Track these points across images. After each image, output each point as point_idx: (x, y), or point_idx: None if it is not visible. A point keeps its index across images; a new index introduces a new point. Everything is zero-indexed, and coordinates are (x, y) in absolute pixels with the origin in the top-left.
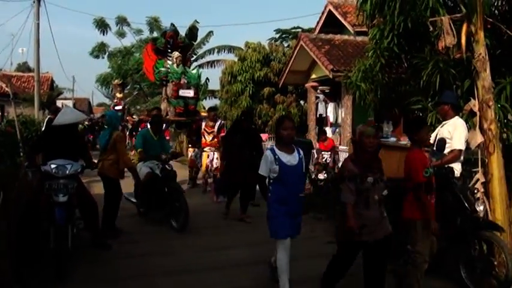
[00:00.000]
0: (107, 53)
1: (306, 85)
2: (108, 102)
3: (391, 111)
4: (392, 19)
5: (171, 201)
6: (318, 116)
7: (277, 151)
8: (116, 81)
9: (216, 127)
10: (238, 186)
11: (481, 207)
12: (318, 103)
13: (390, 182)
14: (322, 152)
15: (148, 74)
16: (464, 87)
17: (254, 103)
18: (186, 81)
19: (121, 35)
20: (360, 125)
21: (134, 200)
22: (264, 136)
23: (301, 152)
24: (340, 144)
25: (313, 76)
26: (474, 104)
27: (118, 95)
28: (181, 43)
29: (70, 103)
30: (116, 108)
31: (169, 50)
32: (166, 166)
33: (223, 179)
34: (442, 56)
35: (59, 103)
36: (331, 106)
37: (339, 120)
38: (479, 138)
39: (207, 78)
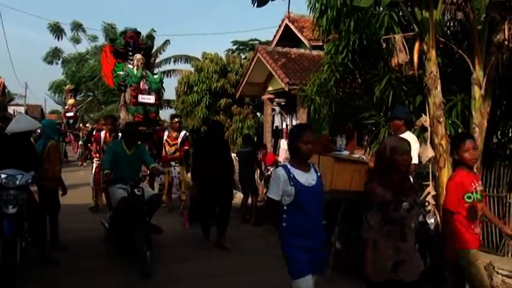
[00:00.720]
0: (61, 59)
1: (263, 97)
2: (60, 109)
3: (344, 125)
4: (347, 35)
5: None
6: (274, 128)
7: (292, 169)
8: (68, 86)
9: (179, 139)
10: (213, 208)
11: (432, 220)
12: (274, 115)
13: (346, 195)
14: (268, 166)
15: (107, 80)
16: (416, 103)
17: (210, 114)
18: (146, 87)
19: (76, 41)
20: (390, 138)
21: (107, 226)
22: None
23: (318, 168)
24: None
25: (270, 88)
26: (425, 120)
27: (69, 101)
28: (143, 45)
29: (22, 110)
30: (67, 115)
31: (130, 53)
32: (136, 191)
33: (196, 203)
34: (395, 72)
35: (10, 110)
36: (288, 119)
37: None
38: (430, 153)
39: (163, 88)
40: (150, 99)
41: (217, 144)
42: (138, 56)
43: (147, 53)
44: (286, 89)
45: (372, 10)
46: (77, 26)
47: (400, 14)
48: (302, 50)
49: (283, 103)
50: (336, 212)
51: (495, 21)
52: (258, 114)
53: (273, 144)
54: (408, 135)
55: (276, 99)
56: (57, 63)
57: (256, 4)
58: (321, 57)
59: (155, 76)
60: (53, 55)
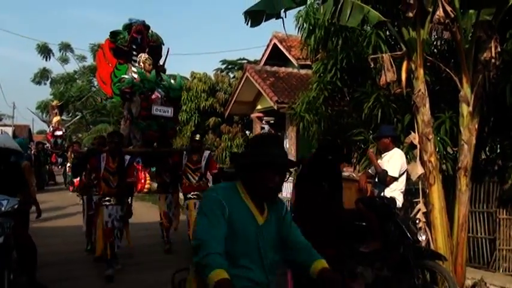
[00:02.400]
0: (50, 79)
1: (252, 116)
2: (49, 129)
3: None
4: (335, 54)
5: None
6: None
7: None
8: (55, 102)
9: (203, 161)
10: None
11: (423, 237)
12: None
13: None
14: None
15: (104, 86)
16: (405, 121)
17: (199, 133)
18: (159, 95)
19: (64, 61)
20: None
21: None
22: None
23: None
24: None
25: (259, 107)
26: (414, 137)
27: (55, 118)
28: (153, 42)
29: (10, 130)
30: (56, 133)
31: (134, 52)
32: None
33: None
34: (383, 90)
35: None
36: None
37: None
38: (419, 170)
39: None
40: (168, 111)
41: (334, 173)
42: (144, 55)
43: (156, 52)
44: (275, 107)
45: (360, 29)
46: (65, 47)
47: (387, 33)
48: (290, 69)
49: (272, 121)
50: None
51: (481, 40)
52: (247, 132)
53: None
54: (395, 151)
55: (264, 118)
56: (45, 84)
57: (249, 24)
58: (309, 76)
59: (172, 81)
60: (41, 75)
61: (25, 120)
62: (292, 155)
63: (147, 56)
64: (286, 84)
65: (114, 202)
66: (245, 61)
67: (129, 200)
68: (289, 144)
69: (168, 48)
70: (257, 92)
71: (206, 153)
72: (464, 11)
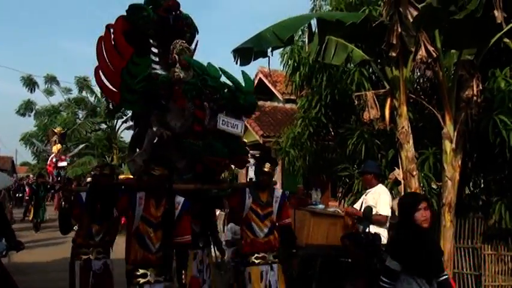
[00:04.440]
0: (34, 111)
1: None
2: (32, 161)
3: (318, 177)
4: (320, 91)
5: None
6: (248, 179)
7: None
8: (58, 129)
9: (275, 203)
10: None
11: None
12: (249, 167)
13: (323, 250)
14: None
15: (107, 89)
16: (389, 157)
17: None
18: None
19: (49, 93)
20: None
21: None
22: None
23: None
24: None
25: (245, 140)
26: (398, 173)
27: (55, 147)
28: (186, 27)
29: None
30: (60, 165)
31: (151, 40)
32: None
33: None
34: (367, 126)
35: None
36: None
37: None
38: None
39: None
40: (237, 126)
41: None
42: (181, 43)
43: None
44: (261, 141)
45: (343, 67)
46: (51, 79)
47: (370, 70)
48: (276, 103)
49: (257, 155)
50: (313, 267)
51: (463, 78)
52: (232, 166)
53: None
54: (380, 188)
55: (250, 151)
56: (29, 116)
57: (239, 62)
58: (294, 111)
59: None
60: (26, 107)
61: (8, 151)
62: (277, 189)
63: (184, 43)
64: (271, 118)
65: (154, 278)
66: None
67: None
68: (275, 179)
69: (197, 41)
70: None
71: (278, 192)
72: (446, 50)
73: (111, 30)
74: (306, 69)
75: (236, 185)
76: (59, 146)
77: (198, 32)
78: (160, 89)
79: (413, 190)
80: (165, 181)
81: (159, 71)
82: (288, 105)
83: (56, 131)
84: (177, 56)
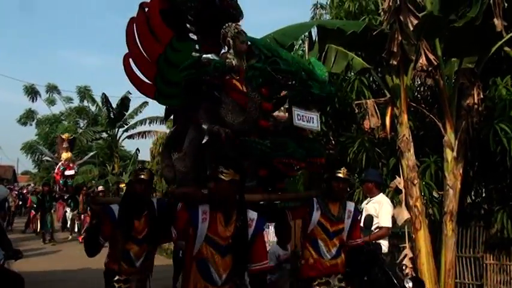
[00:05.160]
0: (35, 120)
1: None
2: (33, 170)
3: (319, 186)
4: None
5: None
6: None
7: None
8: (66, 135)
9: (347, 218)
10: None
11: (410, 284)
12: None
13: None
14: None
15: (138, 81)
16: (390, 165)
17: None
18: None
19: (51, 102)
20: None
21: None
22: None
23: None
24: None
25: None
26: (399, 182)
27: (64, 154)
28: (232, 9)
29: None
30: (67, 173)
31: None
32: None
33: None
34: (368, 135)
35: None
36: None
37: None
38: (405, 215)
39: (137, 149)
40: (312, 120)
41: None
42: (236, 26)
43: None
44: None
45: (343, 75)
46: (52, 88)
47: (371, 79)
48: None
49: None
50: None
51: (464, 86)
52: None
53: None
54: (381, 198)
55: None
56: (31, 125)
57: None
58: None
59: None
60: (27, 116)
61: (9, 160)
62: (349, 202)
63: (241, 27)
64: None
65: None
66: None
67: None
68: None
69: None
70: None
71: (350, 205)
72: (447, 58)
73: (146, 10)
74: None
75: (303, 195)
76: (69, 154)
77: (242, 16)
78: (214, 77)
79: (414, 199)
80: (237, 190)
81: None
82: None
83: (64, 137)
84: (231, 40)
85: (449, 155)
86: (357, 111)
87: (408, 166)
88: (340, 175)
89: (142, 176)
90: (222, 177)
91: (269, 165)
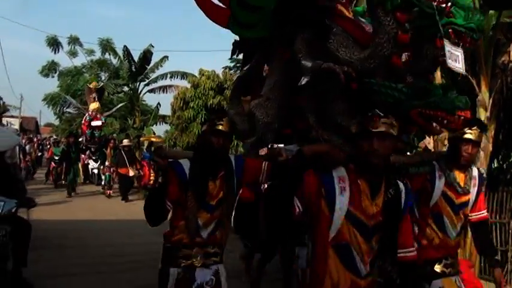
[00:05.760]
0: (57, 72)
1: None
2: (56, 122)
3: None
4: None
5: None
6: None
7: None
8: (94, 83)
9: (473, 187)
10: None
11: None
12: None
13: None
14: None
15: (207, 7)
16: None
17: None
18: None
19: (73, 54)
20: None
21: None
22: None
23: None
24: None
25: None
26: (429, 142)
27: (92, 105)
28: None
29: (17, 121)
30: (93, 124)
31: None
32: None
33: None
34: None
35: (4, 121)
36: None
37: None
38: None
39: (159, 103)
40: (458, 58)
41: None
42: None
43: None
44: None
45: None
46: (74, 40)
47: None
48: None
49: None
50: None
51: (500, 43)
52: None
53: None
54: None
55: None
56: (53, 77)
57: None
58: None
59: None
60: (49, 68)
61: (32, 112)
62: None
63: None
64: None
65: None
66: None
67: None
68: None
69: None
70: None
71: (474, 171)
72: (485, 11)
73: None
74: None
75: (426, 156)
76: (96, 104)
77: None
78: None
79: None
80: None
81: None
82: None
83: (91, 86)
84: None
85: (483, 114)
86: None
87: None
88: (471, 136)
89: (220, 127)
90: (383, 129)
91: (403, 117)
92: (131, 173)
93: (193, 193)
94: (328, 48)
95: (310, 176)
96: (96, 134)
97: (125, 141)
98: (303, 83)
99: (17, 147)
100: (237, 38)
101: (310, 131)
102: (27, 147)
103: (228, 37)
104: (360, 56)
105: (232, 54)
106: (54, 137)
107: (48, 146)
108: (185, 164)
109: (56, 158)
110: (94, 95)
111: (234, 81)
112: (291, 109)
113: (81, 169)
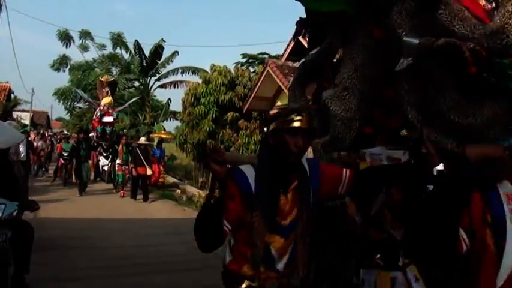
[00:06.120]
0: (69, 67)
1: (271, 112)
2: (67, 117)
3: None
4: None
5: None
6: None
7: None
8: (106, 77)
9: None
10: None
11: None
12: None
13: None
14: None
15: None
16: None
17: (217, 127)
18: None
19: (84, 48)
20: None
21: None
22: None
23: None
24: None
25: (279, 103)
26: None
27: (105, 99)
28: None
29: (28, 116)
30: (105, 120)
31: None
32: None
33: None
34: None
35: (15, 115)
36: None
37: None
38: None
39: (169, 99)
40: None
41: None
42: None
43: None
44: None
45: None
46: (86, 34)
47: None
48: None
49: None
50: None
51: None
52: (266, 129)
53: None
54: None
55: None
56: (64, 71)
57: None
58: None
59: None
60: (61, 62)
61: (43, 106)
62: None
63: None
64: None
65: None
66: (266, 55)
67: None
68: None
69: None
70: (277, 88)
71: None
72: None
73: None
74: None
75: None
76: (109, 99)
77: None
78: None
79: None
80: None
81: None
82: None
83: (103, 80)
84: None
85: None
86: None
87: None
88: None
89: (298, 123)
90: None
91: None
92: (149, 172)
93: (261, 211)
94: (438, 20)
95: (476, 196)
96: (108, 131)
97: (142, 140)
98: (403, 66)
99: (22, 144)
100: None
101: (400, 130)
102: (39, 143)
103: (240, 32)
104: (486, 31)
105: (297, 35)
106: (65, 132)
107: (56, 142)
108: (249, 172)
109: (65, 154)
110: (107, 89)
111: (298, 68)
112: (378, 102)
113: (91, 167)
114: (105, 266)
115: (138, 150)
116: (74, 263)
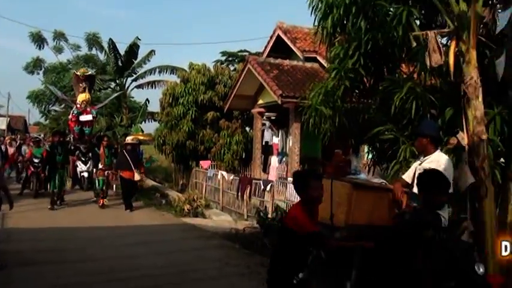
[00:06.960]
0: (43, 69)
1: (253, 111)
2: (43, 121)
3: (346, 142)
4: (358, 36)
5: None
6: (264, 143)
7: None
8: (82, 70)
9: None
10: None
11: (482, 269)
12: (264, 130)
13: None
14: None
15: None
16: (446, 117)
17: (197, 128)
18: None
19: (58, 50)
20: None
21: None
22: (205, 163)
23: None
24: (287, 175)
25: (260, 102)
26: (462, 137)
27: (81, 96)
28: None
29: (4, 120)
30: (82, 119)
31: None
32: None
33: None
34: (414, 80)
35: None
36: (279, 134)
37: (287, 149)
38: (470, 178)
39: (147, 100)
40: None
41: None
42: None
43: None
44: (279, 101)
45: (388, 7)
46: (60, 35)
47: (423, 12)
48: (295, 62)
49: (273, 117)
50: (353, 253)
51: None
52: (247, 128)
53: (263, 161)
54: (440, 157)
55: (266, 113)
56: (38, 73)
57: None
58: (315, 70)
59: None
60: (34, 65)
61: (21, 110)
62: (295, 154)
63: None
64: (290, 78)
65: None
66: (246, 53)
67: None
68: (293, 142)
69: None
70: (259, 86)
71: None
72: None
73: None
74: (341, 11)
75: None
76: (86, 95)
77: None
78: None
79: (481, 159)
80: None
81: None
82: (308, 64)
83: (78, 74)
84: None
85: None
86: (414, 44)
87: (475, 117)
88: None
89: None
90: None
91: None
92: (136, 177)
93: None
94: None
95: None
96: (86, 131)
97: (129, 139)
98: None
99: None
100: None
101: None
102: (23, 147)
103: (219, 30)
104: None
105: None
106: (35, 135)
107: (24, 147)
108: None
109: (36, 160)
110: (83, 84)
111: None
112: None
113: (69, 173)
114: (78, 283)
115: (124, 152)
116: (44, 281)
